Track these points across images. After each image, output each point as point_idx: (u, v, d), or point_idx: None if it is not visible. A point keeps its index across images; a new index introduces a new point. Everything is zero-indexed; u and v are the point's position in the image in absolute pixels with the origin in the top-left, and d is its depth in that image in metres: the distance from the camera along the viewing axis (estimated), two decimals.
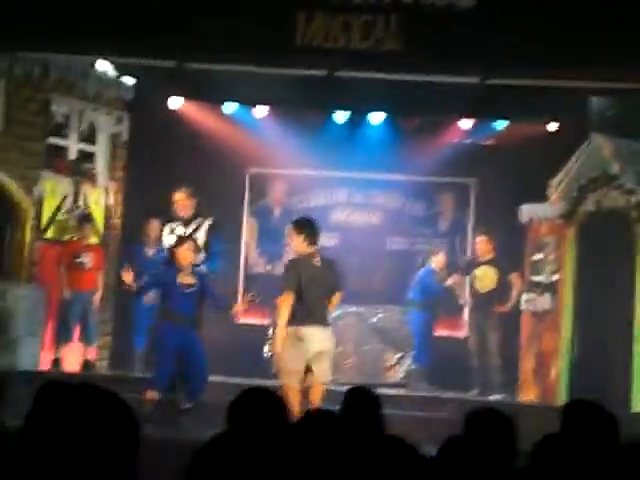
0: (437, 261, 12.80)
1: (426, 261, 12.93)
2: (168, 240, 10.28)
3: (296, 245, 8.80)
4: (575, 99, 11.49)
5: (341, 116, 13.03)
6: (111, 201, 12.31)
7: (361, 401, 4.71)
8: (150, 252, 11.89)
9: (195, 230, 10.44)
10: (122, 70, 11.84)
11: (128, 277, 9.36)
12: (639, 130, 11.16)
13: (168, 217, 10.76)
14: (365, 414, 4.49)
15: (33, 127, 11.44)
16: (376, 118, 13.00)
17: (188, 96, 12.55)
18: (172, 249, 9.67)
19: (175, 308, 9.47)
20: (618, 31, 10.01)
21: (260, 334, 12.42)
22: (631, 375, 10.70)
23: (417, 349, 12.65)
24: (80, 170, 11.92)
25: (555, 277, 11.86)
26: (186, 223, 10.49)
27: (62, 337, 11.67)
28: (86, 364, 11.80)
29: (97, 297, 11.99)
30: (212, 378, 9.92)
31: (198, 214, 10.60)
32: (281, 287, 8.67)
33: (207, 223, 10.54)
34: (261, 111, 13.06)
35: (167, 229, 10.61)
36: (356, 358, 13.03)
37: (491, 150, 12.82)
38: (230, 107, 12.98)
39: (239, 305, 10.03)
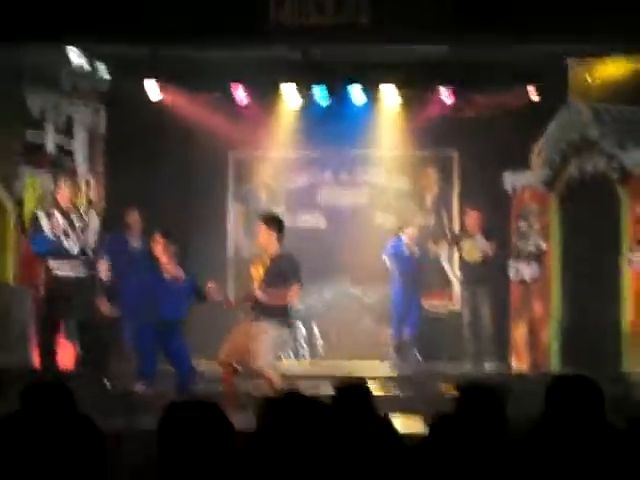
0: (408, 233, 12.82)
1: (399, 233, 12.95)
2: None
3: (271, 243, 8.95)
4: (553, 64, 11.44)
5: (321, 94, 12.97)
6: (92, 195, 12.23)
7: (351, 398, 4.70)
8: (135, 243, 11.76)
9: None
10: (96, 61, 11.75)
11: (105, 307, 9.39)
12: (617, 95, 11.16)
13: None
14: (357, 408, 4.52)
15: (10, 123, 11.31)
16: (357, 95, 12.94)
17: (164, 84, 12.46)
18: (150, 246, 9.55)
19: (159, 306, 9.28)
20: None
21: None
22: (621, 336, 10.73)
23: (396, 323, 12.77)
24: (59, 164, 11.83)
25: (542, 244, 11.85)
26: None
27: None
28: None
29: None
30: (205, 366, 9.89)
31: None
32: (296, 279, 8.86)
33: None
34: (239, 94, 13.00)
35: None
36: (351, 337, 13.08)
37: (472, 120, 12.76)
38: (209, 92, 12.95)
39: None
